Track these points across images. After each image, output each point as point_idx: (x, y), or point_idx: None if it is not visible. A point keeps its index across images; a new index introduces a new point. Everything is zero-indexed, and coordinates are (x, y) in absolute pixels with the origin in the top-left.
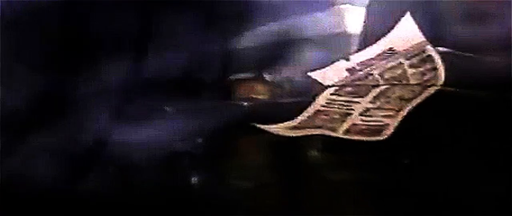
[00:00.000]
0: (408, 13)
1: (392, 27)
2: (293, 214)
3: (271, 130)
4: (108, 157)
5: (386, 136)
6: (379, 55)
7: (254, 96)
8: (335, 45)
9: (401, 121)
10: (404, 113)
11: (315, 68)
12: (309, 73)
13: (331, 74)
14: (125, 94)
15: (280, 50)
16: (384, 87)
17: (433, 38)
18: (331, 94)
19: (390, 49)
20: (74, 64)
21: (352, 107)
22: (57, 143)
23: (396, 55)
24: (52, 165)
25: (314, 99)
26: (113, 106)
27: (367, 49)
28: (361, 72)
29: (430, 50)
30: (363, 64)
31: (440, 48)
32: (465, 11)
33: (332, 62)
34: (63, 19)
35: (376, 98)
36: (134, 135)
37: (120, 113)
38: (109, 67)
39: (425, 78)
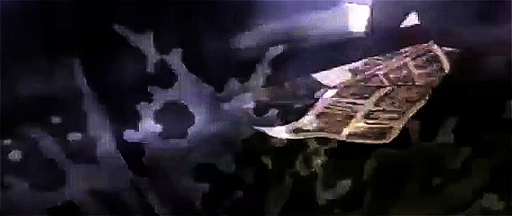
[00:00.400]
0: (414, 12)
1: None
2: None
3: (271, 133)
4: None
5: (390, 140)
6: (383, 55)
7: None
8: (339, 45)
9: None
10: (409, 115)
11: (318, 69)
12: (311, 74)
13: (334, 75)
14: (120, 95)
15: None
16: (389, 88)
17: (440, 38)
18: (334, 96)
19: None
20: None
21: (356, 110)
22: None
23: (401, 55)
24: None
25: (316, 101)
26: (108, 107)
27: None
28: (365, 73)
29: (437, 50)
30: (367, 65)
31: (446, 48)
32: (471, 10)
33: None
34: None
35: (380, 99)
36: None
37: (115, 114)
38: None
39: (432, 79)
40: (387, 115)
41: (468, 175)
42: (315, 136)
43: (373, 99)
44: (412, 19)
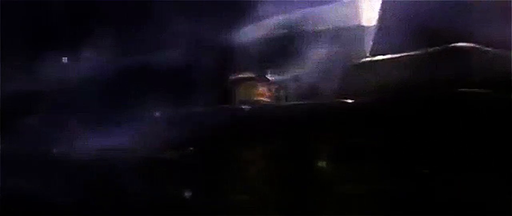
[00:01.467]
0: None
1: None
2: None
3: None
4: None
5: None
6: None
7: (256, 99)
8: (349, 39)
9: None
10: None
11: (326, 65)
12: None
13: None
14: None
15: (287, 45)
16: None
17: (460, 34)
18: None
19: None
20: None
21: None
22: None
23: None
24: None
25: None
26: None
27: None
28: None
29: None
30: None
31: (467, 43)
32: (492, 8)
33: None
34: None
35: None
36: (118, 141)
37: (104, 116)
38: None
39: None
40: None
41: None
42: None
43: None
44: None
